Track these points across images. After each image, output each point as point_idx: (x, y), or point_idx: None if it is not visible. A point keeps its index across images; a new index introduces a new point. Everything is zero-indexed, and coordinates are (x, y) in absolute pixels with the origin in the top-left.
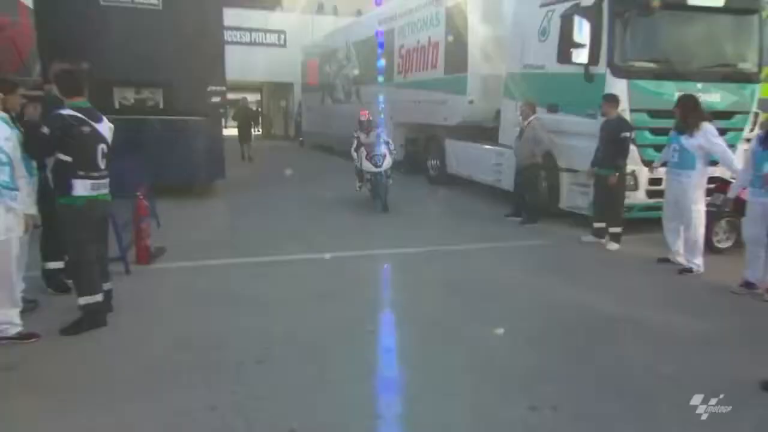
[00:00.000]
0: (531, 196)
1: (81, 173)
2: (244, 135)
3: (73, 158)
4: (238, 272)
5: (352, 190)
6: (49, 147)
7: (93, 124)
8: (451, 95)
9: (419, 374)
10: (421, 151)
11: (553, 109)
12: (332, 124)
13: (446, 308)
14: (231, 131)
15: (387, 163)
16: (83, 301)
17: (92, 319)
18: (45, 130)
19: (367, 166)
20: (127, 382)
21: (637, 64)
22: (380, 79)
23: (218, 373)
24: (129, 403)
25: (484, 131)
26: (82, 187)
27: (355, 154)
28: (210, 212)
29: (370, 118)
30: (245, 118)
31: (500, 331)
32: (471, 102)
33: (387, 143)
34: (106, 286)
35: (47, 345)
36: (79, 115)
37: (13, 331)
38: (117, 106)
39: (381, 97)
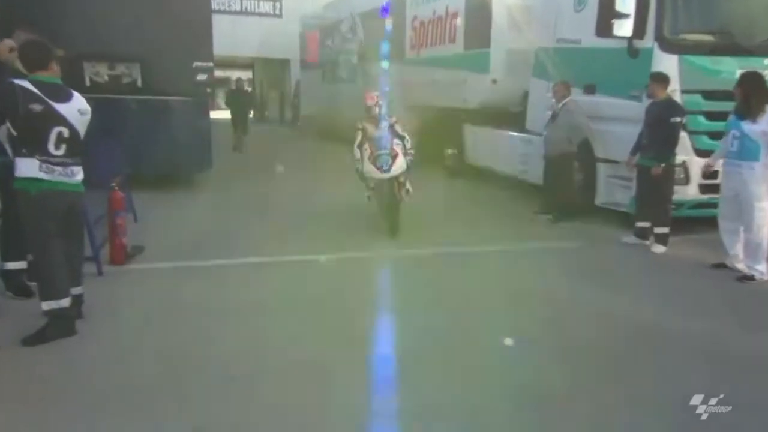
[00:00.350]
0: (563, 190)
1: (24, 151)
2: (239, 123)
3: (18, 134)
4: (225, 275)
5: (353, 185)
6: None
7: (51, 102)
8: (471, 74)
9: (429, 391)
10: (436, 138)
11: (590, 90)
12: (334, 107)
13: (463, 317)
14: (219, 114)
15: (398, 166)
16: (46, 306)
17: (58, 326)
18: None
19: (370, 170)
20: (98, 400)
21: (691, 36)
22: (390, 55)
23: (204, 390)
24: (101, 424)
25: (509, 116)
26: (27, 168)
27: (357, 153)
28: (194, 207)
29: (379, 103)
30: (241, 103)
31: (509, 341)
32: (494, 82)
33: (402, 138)
34: (76, 290)
35: (6, 356)
36: (34, 90)
37: None
38: (88, 83)
39: (390, 77)
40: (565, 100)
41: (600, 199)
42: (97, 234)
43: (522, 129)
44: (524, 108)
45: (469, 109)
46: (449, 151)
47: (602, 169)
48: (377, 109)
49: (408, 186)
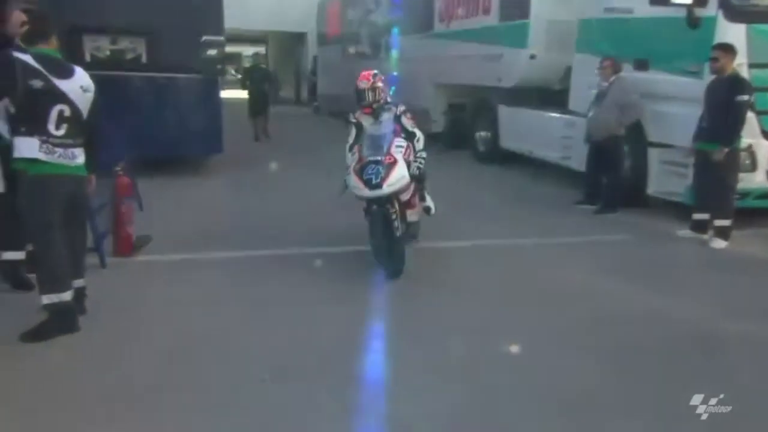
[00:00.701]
0: (610, 177)
1: (23, 130)
2: (258, 106)
3: (16, 111)
4: (238, 268)
5: None
6: None
7: (52, 78)
8: (507, 49)
9: (456, 397)
10: (468, 120)
11: (642, 65)
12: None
13: (495, 317)
14: (232, 93)
15: (395, 179)
16: (47, 299)
17: (60, 322)
18: None
19: (355, 185)
20: (104, 402)
21: (761, 1)
22: (415, 28)
23: (216, 393)
24: (105, 425)
25: (550, 95)
26: (26, 148)
27: (350, 157)
28: (204, 195)
29: (378, 85)
30: (260, 82)
31: (514, 348)
32: (533, 57)
33: (411, 136)
34: (78, 282)
35: (4, 352)
36: (34, 64)
37: None
38: (88, 58)
39: (417, 52)
40: (613, 78)
41: (652, 188)
42: (100, 223)
43: (564, 110)
44: (566, 86)
45: (504, 87)
46: (481, 134)
47: (655, 155)
48: (372, 95)
49: (428, 203)
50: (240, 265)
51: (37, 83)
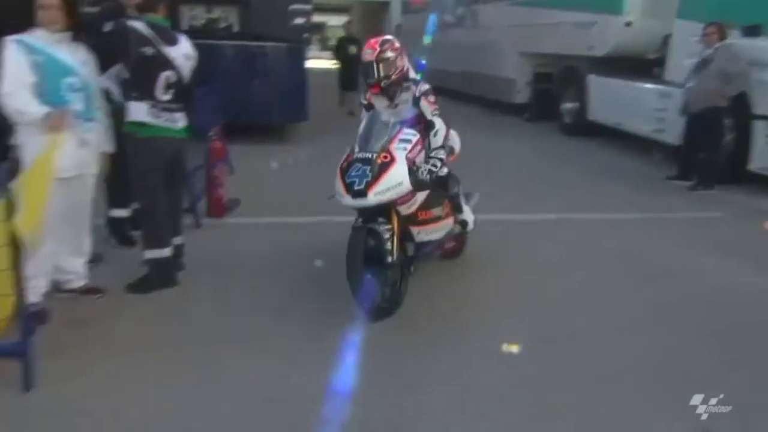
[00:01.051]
0: (709, 152)
1: (134, 95)
2: (348, 79)
3: (130, 77)
4: (326, 232)
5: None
6: (108, 49)
7: (160, 47)
8: (600, 15)
9: (546, 368)
10: (554, 90)
11: (753, 31)
12: (441, 57)
13: (584, 291)
14: (318, 63)
15: (386, 186)
16: (149, 254)
17: (160, 276)
18: (107, 27)
19: (337, 189)
20: (203, 346)
21: None
22: None
23: (303, 346)
24: (200, 373)
25: (644, 64)
26: (137, 111)
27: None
28: (289, 161)
29: (386, 55)
30: (351, 52)
31: (605, 323)
32: (628, 24)
33: (429, 127)
34: (177, 240)
35: (115, 302)
36: (146, 32)
37: (79, 283)
38: (185, 27)
39: (503, 20)
40: (718, 45)
41: (755, 164)
42: (194, 185)
43: (659, 80)
44: (663, 55)
45: (595, 56)
46: (568, 105)
47: (761, 128)
48: (383, 69)
49: (466, 215)
50: (328, 229)
51: (149, 50)
